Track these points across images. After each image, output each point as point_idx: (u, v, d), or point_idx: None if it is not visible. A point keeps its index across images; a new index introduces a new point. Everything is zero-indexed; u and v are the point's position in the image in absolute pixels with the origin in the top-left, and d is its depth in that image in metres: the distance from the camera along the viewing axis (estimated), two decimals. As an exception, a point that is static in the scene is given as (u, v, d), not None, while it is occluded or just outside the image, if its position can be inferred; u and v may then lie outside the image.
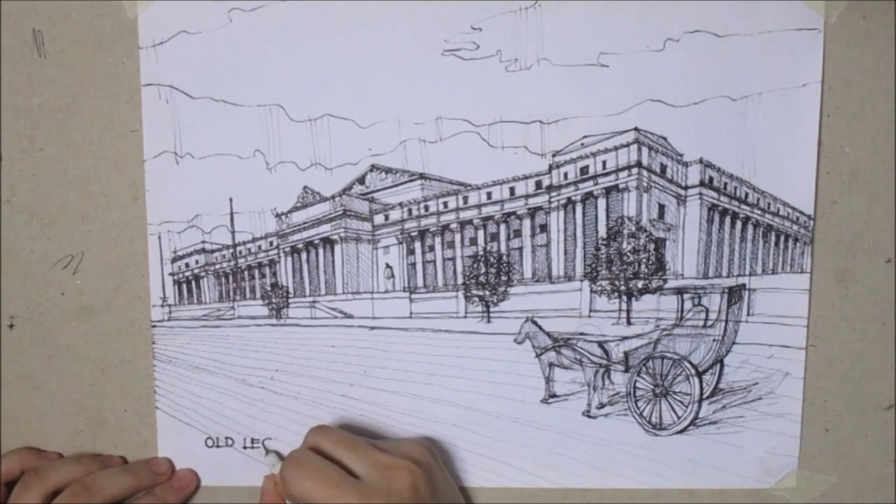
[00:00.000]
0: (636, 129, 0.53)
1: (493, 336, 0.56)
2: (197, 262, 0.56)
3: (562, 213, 0.56)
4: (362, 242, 0.59)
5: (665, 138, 0.53)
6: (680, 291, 0.54)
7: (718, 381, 0.55)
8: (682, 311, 0.55)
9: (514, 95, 0.52)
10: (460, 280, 0.56)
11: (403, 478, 0.44)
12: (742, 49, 0.51)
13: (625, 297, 0.55)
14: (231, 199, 0.54)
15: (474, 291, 0.56)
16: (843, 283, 0.54)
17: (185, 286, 0.56)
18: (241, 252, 0.56)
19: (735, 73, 0.51)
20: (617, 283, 0.55)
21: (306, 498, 0.44)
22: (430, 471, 0.47)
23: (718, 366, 0.55)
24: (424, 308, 0.57)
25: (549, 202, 0.56)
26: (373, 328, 0.56)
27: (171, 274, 0.55)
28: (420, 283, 0.58)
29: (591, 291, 0.55)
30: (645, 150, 0.53)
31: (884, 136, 0.52)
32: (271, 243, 0.57)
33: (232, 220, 0.55)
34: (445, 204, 0.57)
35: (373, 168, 0.55)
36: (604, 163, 0.54)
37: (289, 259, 0.58)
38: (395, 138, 0.53)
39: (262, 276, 0.58)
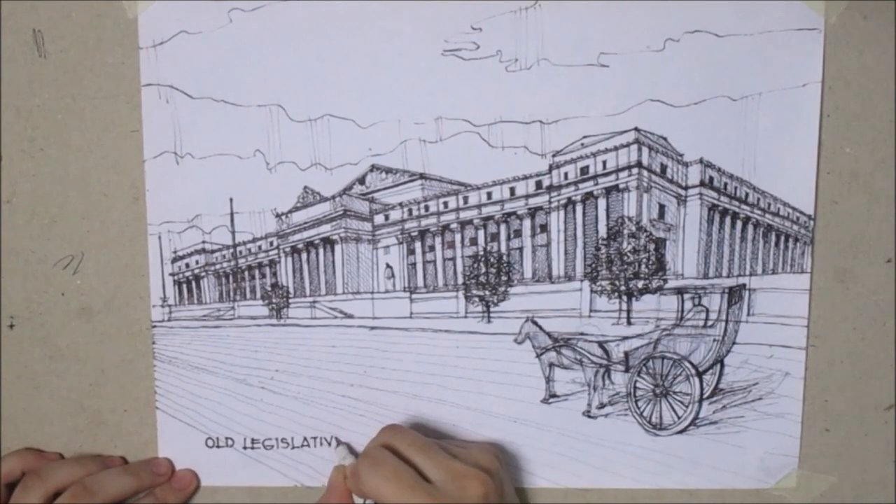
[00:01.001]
0: (636, 129, 0.53)
1: (494, 336, 0.56)
2: (197, 262, 0.56)
3: (562, 213, 0.56)
4: (362, 242, 0.59)
5: (665, 138, 0.53)
6: (680, 291, 0.54)
7: (718, 381, 0.55)
8: (683, 311, 0.55)
9: (514, 95, 0.52)
10: (460, 280, 0.56)
11: (476, 488, 0.44)
12: (742, 49, 0.51)
13: (625, 297, 0.55)
14: (231, 199, 0.54)
15: (474, 291, 0.56)
16: (843, 283, 0.54)
17: (185, 286, 0.56)
18: (241, 252, 0.56)
19: (735, 73, 0.51)
20: (617, 283, 0.55)
21: (378, 496, 0.44)
22: (499, 480, 0.46)
23: (718, 366, 0.55)
24: (424, 308, 0.57)
25: (550, 202, 0.56)
26: (373, 328, 0.56)
27: (172, 274, 0.55)
28: (420, 283, 0.58)
29: (592, 291, 0.55)
30: (645, 150, 0.53)
31: (884, 136, 0.52)
32: (271, 243, 0.57)
33: (232, 220, 0.55)
34: (445, 204, 0.57)
35: (373, 168, 0.55)
36: (604, 163, 0.54)
37: (289, 259, 0.58)
38: (395, 138, 0.53)
39: (263, 276, 0.58)
